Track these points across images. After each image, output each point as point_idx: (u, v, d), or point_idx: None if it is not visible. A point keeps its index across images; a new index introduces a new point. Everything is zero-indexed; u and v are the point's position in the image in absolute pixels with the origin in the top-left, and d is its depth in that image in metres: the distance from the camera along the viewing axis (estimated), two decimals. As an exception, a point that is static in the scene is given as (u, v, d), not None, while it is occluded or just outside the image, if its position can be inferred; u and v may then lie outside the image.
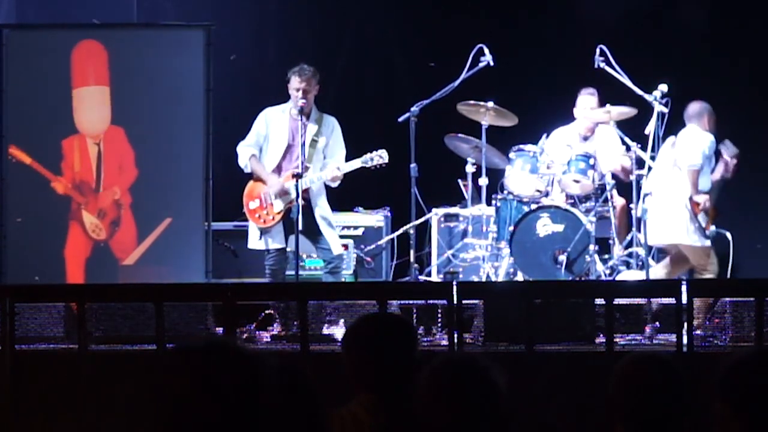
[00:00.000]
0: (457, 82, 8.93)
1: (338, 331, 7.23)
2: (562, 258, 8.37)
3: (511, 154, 8.96)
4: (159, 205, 8.69)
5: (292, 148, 8.28)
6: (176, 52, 8.78)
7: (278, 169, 8.34)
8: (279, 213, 8.27)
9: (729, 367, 2.80)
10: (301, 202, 8.00)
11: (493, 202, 9.01)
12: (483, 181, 8.95)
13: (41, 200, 8.68)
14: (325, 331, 7.37)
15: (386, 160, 8.27)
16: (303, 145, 8.15)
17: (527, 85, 9.77)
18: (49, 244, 8.64)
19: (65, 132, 8.72)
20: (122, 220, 8.69)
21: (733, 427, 2.71)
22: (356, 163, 8.28)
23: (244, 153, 8.37)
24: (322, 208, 8.35)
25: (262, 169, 8.33)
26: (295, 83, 8.24)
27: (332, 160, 8.30)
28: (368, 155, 8.27)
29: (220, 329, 6.91)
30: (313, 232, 8.28)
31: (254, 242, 8.37)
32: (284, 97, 8.40)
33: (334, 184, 8.33)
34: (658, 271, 8.33)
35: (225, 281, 8.55)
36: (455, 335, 6.36)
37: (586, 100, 8.97)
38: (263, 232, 8.32)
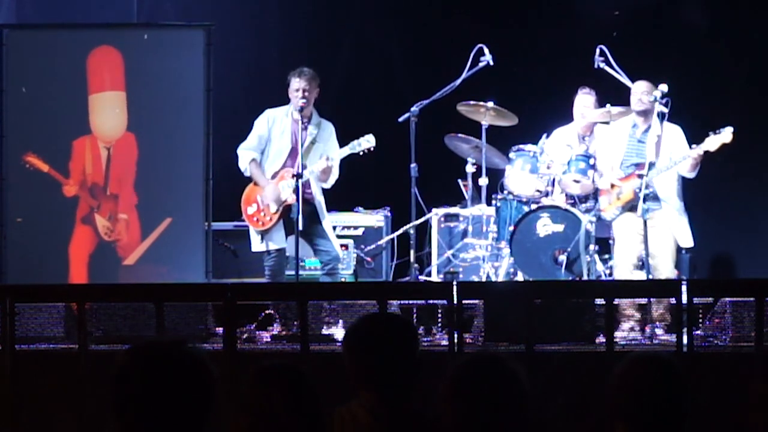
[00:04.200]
0: (457, 82, 8.93)
1: (338, 331, 7.23)
2: (562, 258, 8.37)
3: (511, 154, 8.96)
4: (159, 205, 8.70)
5: (295, 151, 8.29)
6: (176, 52, 8.79)
7: (281, 170, 8.34)
8: (275, 213, 8.29)
9: None
10: (301, 202, 8.01)
11: (493, 202, 9.01)
12: (483, 181, 8.95)
13: (42, 200, 8.69)
14: (325, 331, 7.37)
15: (373, 144, 8.27)
16: (302, 145, 8.15)
17: (527, 85, 9.77)
18: (50, 244, 8.65)
19: (75, 133, 8.73)
20: (128, 221, 8.70)
21: None
22: (345, 151, 8.30)
23: (245, 157, 8.38)
24: (323, 208, 8.37)
25: (261, 174, 8.34)
26: (295, 84, 8.26)
27: (338, 162, 8.33)
28: (356, 141, 8.29)
29: (220, 329, 6.91)
30: (313, 233, 8.30)
31: (256, 245, 8.41)
32: (284, 98, 8.40)
33: (327, 184, 8.33)
34: None
35: (225, 281, 8.56)
36: (455, 335, 6.35)
37: (583, 100, 8.98)
38: (263, 234, 8.34)
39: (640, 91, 8.20)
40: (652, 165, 8.03)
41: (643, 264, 8.05)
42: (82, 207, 8.72)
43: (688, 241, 8.21)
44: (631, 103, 8.30)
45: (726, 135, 7.89)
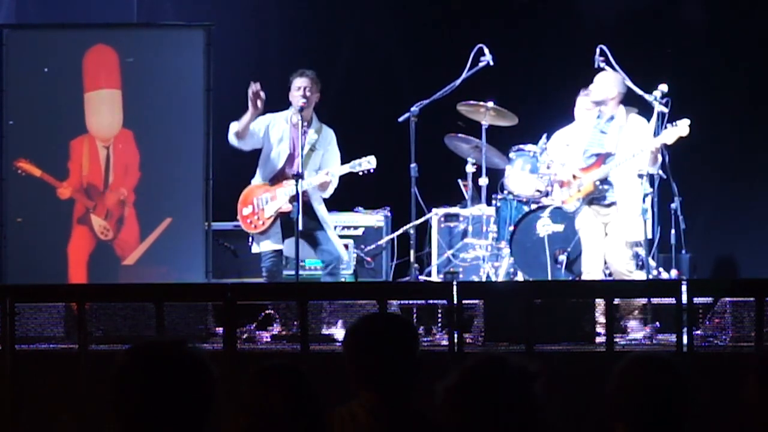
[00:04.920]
0: (457, 82, 8.93)
1: (338, 331, 7.23)
2: (562, 258, 8.36)
3: (511, 154, 8.96)
4: (159, 205, 8.70)
5: (293, 157, 8.29)
6: (176, 52, 8.79)
7: (280, 176, 8.34)
8: (269, 218, 8.30)
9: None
10: (288, 207, 8.03)
11: (493, 202, 9.02)
12: (483, 181, 8.95)
13: (42, 200, 8.69)
14: (325, 331, 7.37)
15: (374, 166, 8.28)
16: (302, 150, 8.15)
17: (527, 85, 9.77)
18: (49, 244, 8.65)
19: (73, 132, 8.73)
20: (126, 219, 8.71)
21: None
22: (345, 168, 8.31)
23: (232, 127, 8.33)
24: (321, 209, 8.38)
25: (243, 119, 8.24)
26: (297, 83, 8.27)
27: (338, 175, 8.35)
28: (356, 161, 8.29)
29: (220, 329, 6.91)
30: (312, 234, 8.30)
31: (253, 246, 8.43)
32: (284, 98, 8.40)
33: (325, 194, 8.33)
34: None
35: (225, 281, 8.56)
36: (455, 335, 6.36)
37: (585, 101, 8.97)
38: (255, 237, 8.36)
39: (592, 85, 8.14)
40: (610, 156, 7.99)
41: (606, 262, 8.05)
42: (77, 208, 8.72)
43: (640, 234, 8.05)
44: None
45: (682, 128, 7.76)
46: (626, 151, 7.94)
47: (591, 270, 8.00)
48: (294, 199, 8.03)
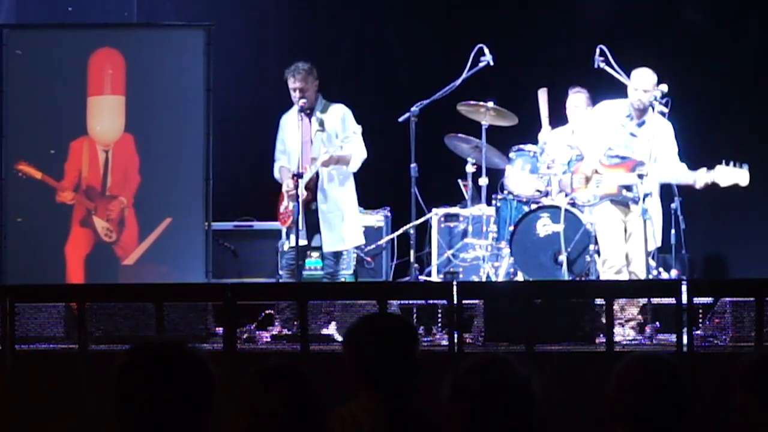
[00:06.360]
0: (457, 82, 8.93)
1: (338, 331, 7.24)
2: (562, 258, 8.36)
3: (511, 154, 8.96)
4: (159, 205, 8.71)
5: (306, 146, 8.28)
6: (176, 52, 8.79)
7: (300, 167, 8.33)
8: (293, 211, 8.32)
9: (755, 361, 2.94)
10: (302, 198, 8.01)
11: (493, 202, 9.01)
12: (483, 181, 8.95)
13: (42, 200, 8.69)
14: (325, 331, 7.38)
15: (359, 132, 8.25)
16: (307, 143, 8.15)
17: (527, 85, 9.76)
18: (49, 244, 8.65)
19: (74, 133, 8.72)
20: (126, 220, 8.71)
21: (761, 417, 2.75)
22: (338, 144, 8.24)
23: (276, 167, 8.41)
24: (331, 202, 8.30)
25: (286, 175, 8.34)
26: (290, 84, 8.26)
27: (349, 144, 8.24)
28: (345, 134, 8.25)
29: (220, 329, 6.91)
30: (312, 231, 8.30)
31: (285, 243, 8.37)
32: (284, 97, 8.40)
33: (351, 168, 8.27)
34: None
35: (225, 281, 8.56)
36: (455, 335, 6.36)
37: (575, 99, 8.97)
38: (289, 231, 8.30)
39: (642, 88, 7.97)
40: (640, 164, 7.94)
41: (627, 264, 8.02)
42: (78, 209, 8.71)
43: (656, 242, 8.03)
44: (630, 95, 8.08)
45: (742, 177, 7.67)
46: (663, 170, 7.87)
47: (614, 262, 7.93)
48: (308, 186, 8.02)
